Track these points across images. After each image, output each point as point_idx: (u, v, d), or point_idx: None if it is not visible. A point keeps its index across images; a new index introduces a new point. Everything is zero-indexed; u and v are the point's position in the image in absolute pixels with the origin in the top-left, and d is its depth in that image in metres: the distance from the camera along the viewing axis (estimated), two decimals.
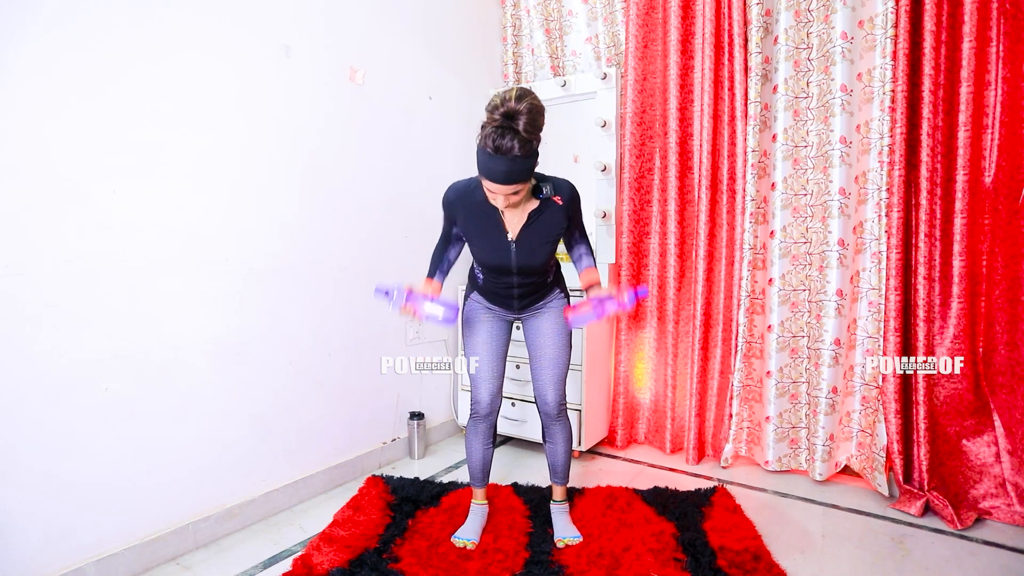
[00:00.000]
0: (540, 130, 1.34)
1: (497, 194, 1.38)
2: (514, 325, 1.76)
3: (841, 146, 2.03)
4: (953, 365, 1.93)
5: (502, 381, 1.69)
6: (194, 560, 1.62)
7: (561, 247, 1.60)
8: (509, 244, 1.51)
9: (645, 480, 2.14)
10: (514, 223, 1.51)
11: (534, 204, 1.50)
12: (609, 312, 1.44)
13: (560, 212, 1.51)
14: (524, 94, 1.31)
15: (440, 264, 1.63)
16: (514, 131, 1.27)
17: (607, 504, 1.87)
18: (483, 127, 1.31)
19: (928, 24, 1.84)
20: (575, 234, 1.60)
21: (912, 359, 1.94)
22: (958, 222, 1.89)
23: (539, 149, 1.37)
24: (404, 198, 2.35)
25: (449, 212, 1.57)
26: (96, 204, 1.44)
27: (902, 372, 1.94)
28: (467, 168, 2.63)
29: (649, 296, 2.52)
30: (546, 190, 1.49)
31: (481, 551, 1.62)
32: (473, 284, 1.69)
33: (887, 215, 1.95)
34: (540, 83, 2.63)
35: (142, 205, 1.53)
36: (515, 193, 1.38)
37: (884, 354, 1.97)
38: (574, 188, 1.55)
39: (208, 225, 1.68)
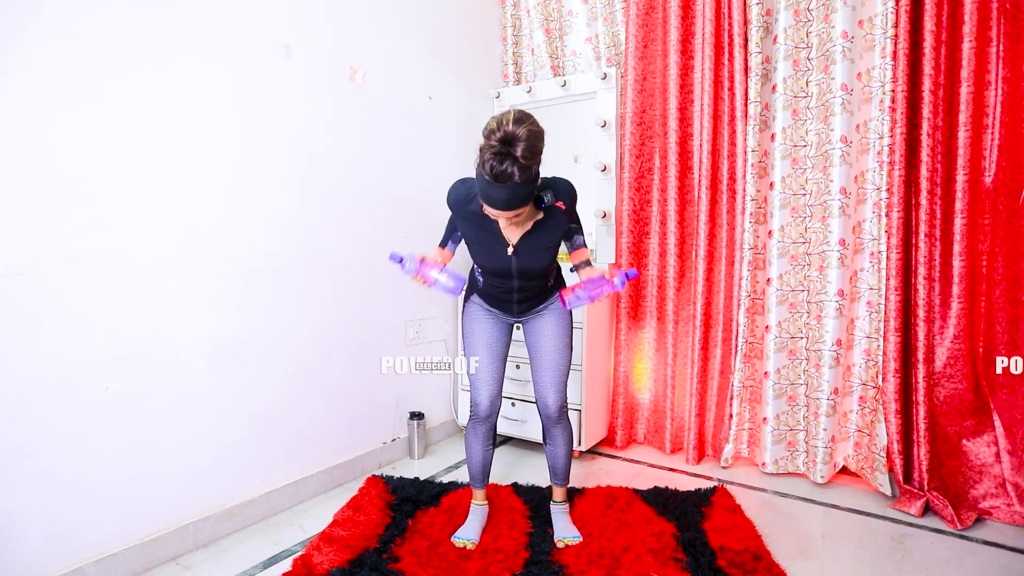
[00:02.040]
0: (539, 154, 1.29)
1: (499, 217, 1.35)
2: (514, 327, 1.76)
3: (842, 145, 2.03)
4: (953, 365, 1.93)
5: (502, 383, 1.69)
6: (194, 560, 1.62)
7: (562, 248, 1.59)
8: (508, 252, 1.49)
9: (645, 480, 2.14)
10: (514, 233, 1.48)
11: (537, 215, 1.47)
12: (603, 294, 1.45)
13: (563, 216, 1.48)
14: (522, 118, 1.25)
15: (453, 233, 1.61)
16: (512, 157, 1.22)
17: (607, 504, 1.87)
18: (481, 151, 1.26)
19: (928, 24, 1.84)
20: (571, 226, 1.58)
21: (912, 359, 1.94)
22: (958, 222, 1.89)
23: (539, 170, 1.33)
24: (404, 198, 2.35)
25: (452, 213, 1.56)
26: (96, 204, 1.44)
27: (902, 372, 1.94)
28: (467, 168, 2.63)
29: (648, 296, 2.53)
30: (548, 198, 1.43)
31: (481, 551, 1.62)
32: (473, 286, 1.69)
33: (887, 215, 1.95)
34: (540, 83, 2.64)
35: (142, 205, 1.53)
36: (516, 215, 1.34)
37: (884, 354, 1.97)
38: (572, 186, 1.50)
39: (208, 225, 1.68)
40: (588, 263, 1.54)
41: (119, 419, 1.50)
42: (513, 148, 1.22)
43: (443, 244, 1.62)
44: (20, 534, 1.33)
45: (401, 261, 1.48)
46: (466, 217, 1.49)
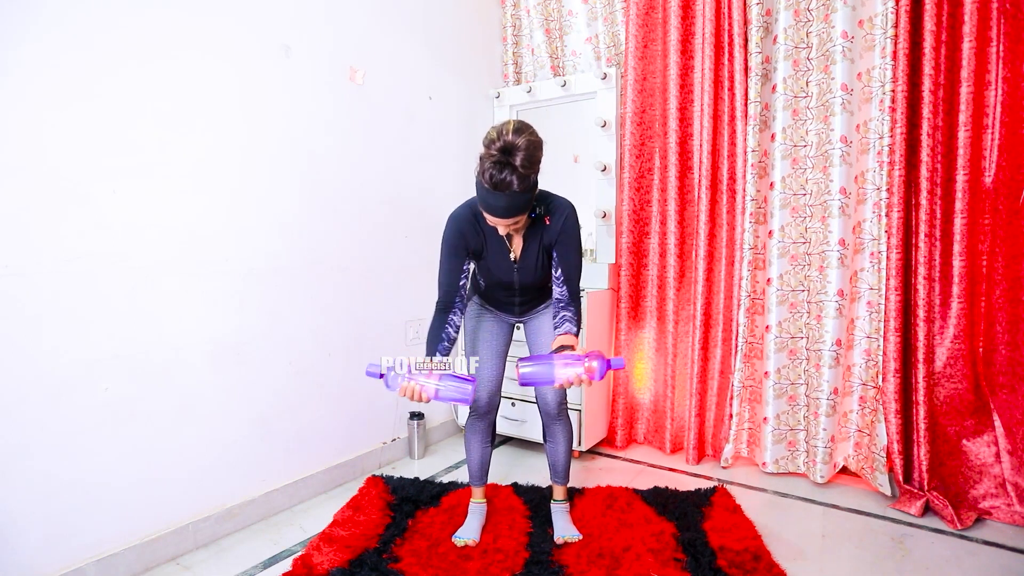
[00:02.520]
0: (538, 163, 1.32)
1: (498, 224, 1.38)
2: (515, 327, 1.76)
3: (842, 145, 2.03)
4: (953, 365, 1.93)
5: (501, 381, 1.69)
6: (194, 560, 1.62)
7: None
8: (512, 264, 1.53)
9: (645, 480, 2.14)
10: (517, 243, 1.52)
11: (529, 223, 1.49)
12: (570, 378, 1.24)
13: (548, 233, 1.48)
14: (521, 128, 1.28)
15: (440, 339, 1.44)
16: (512, 166, 1.26)
17: (607, 504, 1.87)
18: (480, 160, 1.29)
19: (928, 24, 1.84)
20: (561, 268, 1.47)
21: (912, 358, 1.94)
22: (958, 222, 1.89)
23: (538, 179, 1.36)
24: (404, 198, 2.35)
25: (461, 243, 1.48)
26: (96, 204, 1.44)
27: (902, 372, 1.94)
28: (467, 168, 2.64)
29: (648, 296, 2.53)
30: (539, 210, 1.46)
31: (481, 551, 1.62)
32: (475, 288, 1.70)
33: (887, 215, 1.95)
34: (540, 83, 2.64)
35: (142, 205, 1.53)
36: (515, 223, 1.38)
37: (884, 354, 1.97)
38: (571, 214, 1.47)
39: (208, 225, 1.68)
40: (572, 348, 1.36)
41: (119, 419, 1.50)
42: (512, 157, 1.25)
43: (430, 355, 1.41)
44: (20, 534, 1.33)
45: (382, 375, 1.23)
46: (476, 233, 1.50)
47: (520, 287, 1.57)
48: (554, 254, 1.50)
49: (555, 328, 1.46)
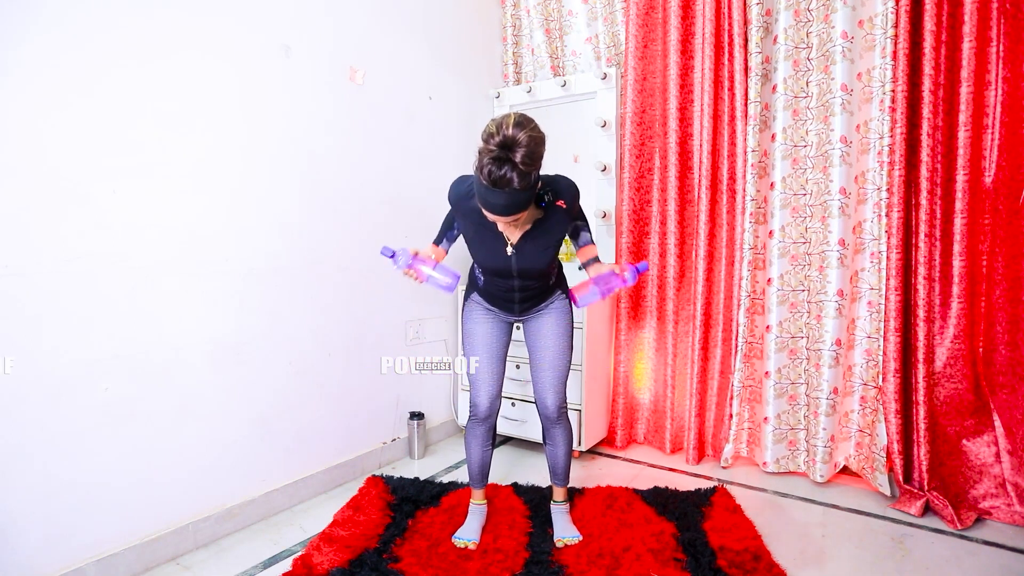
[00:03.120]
0: (540, 160, 1.26)
1: (497, 221, 1.35)
2: (514, 326, 1.76)
3: (841, 145, 2.03)
4: (953, 365, 1.93)
5: (501, 384, 1.68)
6: (194, 560, 1.62)
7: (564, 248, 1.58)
8: (508, 252, 1.47)
9: (645, 480, 2.14)
10: (513, 233, 1.46)
11: (537, 214, 1.44)
12: (614, 289, 1.45)
13: (564, 216, 1.45)
14: (523, 122, 1.22)
15: (448, 231, 1.62)
16: (512, 163, 1.19)
17: (607, 504, 1.87)
18: (479, 154, 1.22)
19: (928, 24, 1.84)
20: (576, 223, 1.56)
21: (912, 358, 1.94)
22: (958, 222, 1.89)
23: (539, 175, 1.31)
24: (404, 198, 2.35)
25: (452, 209, 1.56)
26: (96, 204, 1.44)
27: (902, 372, 1.94)
28: (467, 168, 2.63)
29: (648, 296, 2.52)
30: (548, 197, 1.41)
31: (481, 551, 1.62)
32: (473, 285, 1.67)
33: (887, 215, 1.95)
34: (540, 83, 2.64)
35: (142, 205, 1.53)
36: (515, 219, 1.33)
37: (884, 354, 1.97)
38: (573, 185, 1.48)
39: (208, 225, 1.68)
40: (596, 260, 1.54)
41: (119, 419, 1.50)
42: (513, 153, 1.19)
43: (437, 241, 1.62)
44: (20, 534, 1.33)
45: (393, 256, 1.48)
46: (466, 214, 1.47)
47: (518, 272, 1.49)
48: (579, 237, 1.56)
49: (575, 242, 1.56)
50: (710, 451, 2.40)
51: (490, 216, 1.32)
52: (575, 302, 1.48)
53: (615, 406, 2.52)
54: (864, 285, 2.06)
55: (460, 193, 1.48)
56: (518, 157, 1.19)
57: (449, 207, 1.57)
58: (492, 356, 1.65)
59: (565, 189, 1.45)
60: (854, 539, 1.74)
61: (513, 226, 1.44)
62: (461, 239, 1.61)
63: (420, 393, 2.48)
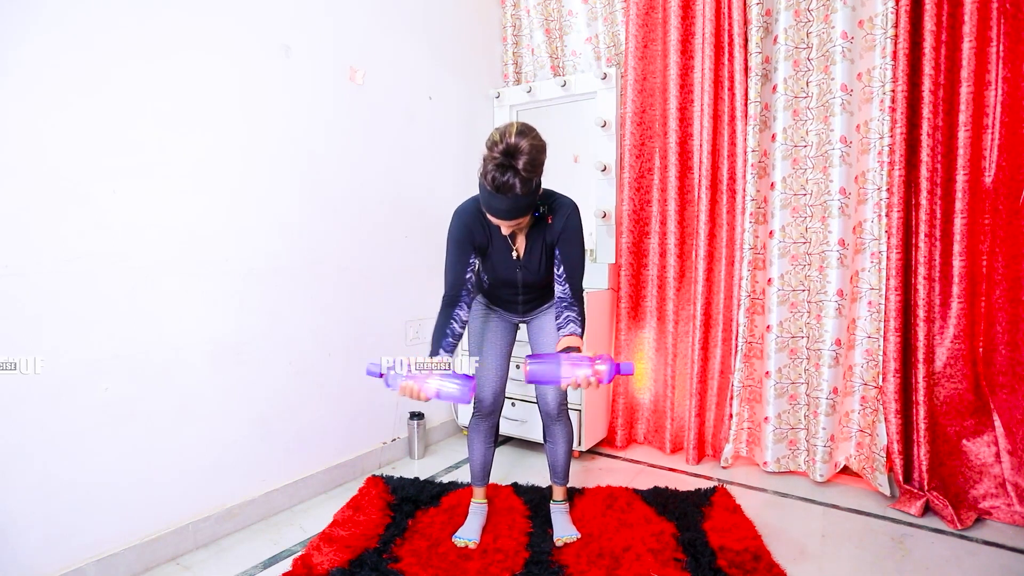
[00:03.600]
0: (541, 167, 1.31)
1: (501, 224, 1.39)
2: (518, 326, 1.76)
3: (841, 146, 2.03)
4: (953, 365, 1.93)
5: (505, 380, 1.70)
6: (194, 560, 1.62)
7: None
8: (515, 262, 1.52)
9: (645, 480, 2.14)
10: (521, 242, 1.52)
11: (531, 222, 1.49)
12: (577, 379, 1.22)
13: (551, 232, 1.48)
14: (525, 130, 1.27)
15: (444, 334, 1.44)
16: (515, 169, 1.25)
17: (607, 504, 1.87)
18: (483, 161, 1.29)
19: (928, 24, 1.84)
20: (563, 266, 1.47)
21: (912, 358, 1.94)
22: (958, 222, 1.89)
23: (541, 181, 1.36)
24: (404, 198, 2.35)
25: (467, 237, 1.47)
26: (96, 204, 1.44)
27: (902, 372, 1.94)
28: (467, 168, 2.64)
29: (648, 296, 2.53)
30: (542, 209, 1.46)
31: (481, 551, 1.62)
32: (479, 287, 1.69)
33: (887, 215, 1.95)
34: (540, 83, 2.64)
35: (142, 205, 1.53)
36: (519, 223, 1.39)
37: (884, 354, 1.97)
38: (573, 212, 1.47)
39: (208, 225, 1.68)
40: (578, 350, 1.35)
41: (119, 419, 1.50)
42: (515, 160, 1.25)
43: (435, 353, 1.42)
44: (20, 534, 1.33)
45: (382, 374, 1.24)
46: (481, 228, 1.49)
47: (523, 284, 1.57)
48: (556, 252, 1.49)
49: (559, 329, 1.45)
50: (710, 451, 2.40)
51: (494, 220, 1.37)
52: (525, 372, 1.25)
53: (615, 406, 2.52)
54: (864, 285, 2.06)
55: (471, 211, 1.48)
56: (520, 164, 1.25)
57: (450, 255, 1.48)
58: (496, 353, 1.66)
59: (560, 211, 1.47)
60: (854, 539, 1.74)
61: (517, 230, 1.48)
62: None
63: None
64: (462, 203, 1.52)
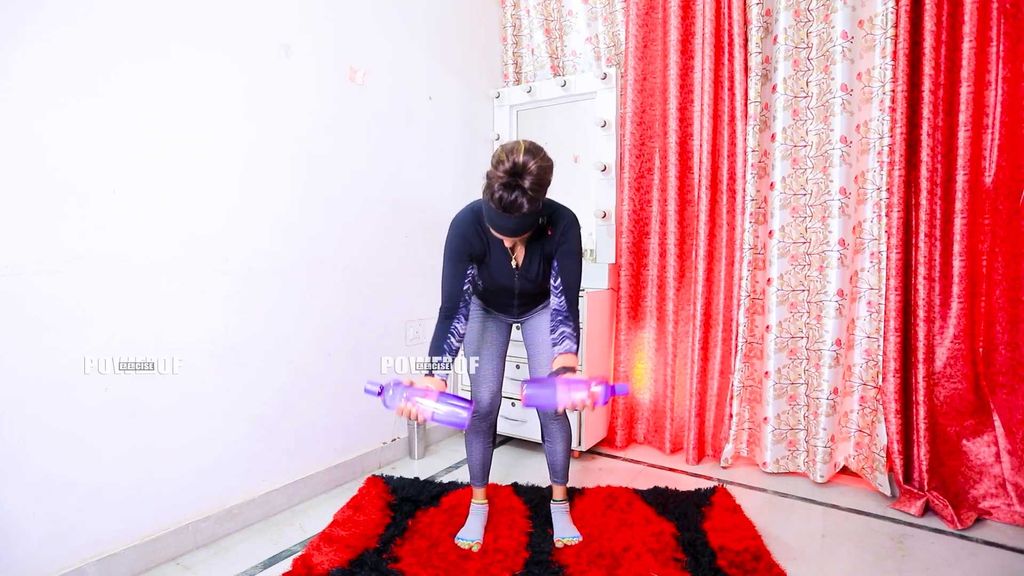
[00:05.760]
0: (547, 186, 1.30)
1: (505, 239, 1.40)
2: (512, 326, 1.77)
3: (841, 146, 2.03)
4: (953, 365, 1.93)
5: (502, 380, 1.70)
6: (194, 560, 1.62)
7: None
8: (513, 271, 1.52)
9: (645, 480, 2.14)
10: (520, 251, 1.52)
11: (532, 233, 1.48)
12: (574, 403, 1.24)
13: (550, 243, 1.48)
14: (532, 149, 1.26)
15: (442, 349, 1.42)
16: (521, 188, 1.24)
17: (607, 504, 1.87)
18: (488, 179, 1.27)
19: (928, 24, 1.84)
20: (561, 277, 1.46)
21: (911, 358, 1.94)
22: (958, 222, 1.89)
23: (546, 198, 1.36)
24: (404, 198, 2.35)
25: (464, 247, 1.47)
26: (96, 204, 1.44)
27: (902, 372, 1.94)
28: (467, 168, 2.64)
29: (648, 296, 2.52)
30: (542, 220, 1.45)
31: (481, 551, 1.62)
32: (474, 289, 1.69)
33: (887, 215, 1.95)
34: (540, 83, 2.64)
35: (142, 205, 1.53)
36: (523, 237, 1.40)
37: (884, 354, 1.97)
38: (573, 224, 1.47)
39: (208, 225, 1.68)
40: (573, 371, 1.36)
41: (119, 419, 1.50)
42: (522, 180, 1.24)
43: (432, 371, 1.41)
44: (20, 534, 1.33)
45: (380, 392, 1.24)
46: (480, 238, 1.48)
47: (520, 293, 1.57)
48: (554, 263, 1.49)
49: (554, 345, 1.45)
50: (710, 451, 2.40)
51: (498, 235, 1.37)
52: (522, 397, 1.27)
53: (615, 406, 2.52)
54: (864, 285, 2.06)
55: (469, 221, 1.48)
56: (527, 183, 1.24)
57: (447, 267, 1.48)
58: (493, 353, 1.67)
59: (559, 222, 1.47)
60: (854, 539, 1.74)
61: (519, 243, 1.49)
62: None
63: None
64: (459, 212, 1.51)
